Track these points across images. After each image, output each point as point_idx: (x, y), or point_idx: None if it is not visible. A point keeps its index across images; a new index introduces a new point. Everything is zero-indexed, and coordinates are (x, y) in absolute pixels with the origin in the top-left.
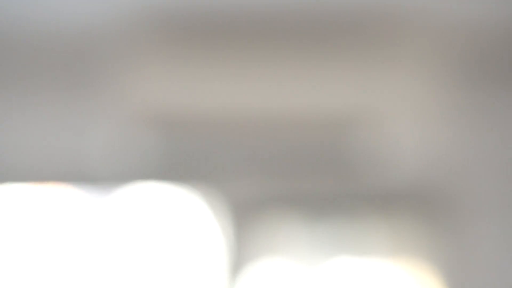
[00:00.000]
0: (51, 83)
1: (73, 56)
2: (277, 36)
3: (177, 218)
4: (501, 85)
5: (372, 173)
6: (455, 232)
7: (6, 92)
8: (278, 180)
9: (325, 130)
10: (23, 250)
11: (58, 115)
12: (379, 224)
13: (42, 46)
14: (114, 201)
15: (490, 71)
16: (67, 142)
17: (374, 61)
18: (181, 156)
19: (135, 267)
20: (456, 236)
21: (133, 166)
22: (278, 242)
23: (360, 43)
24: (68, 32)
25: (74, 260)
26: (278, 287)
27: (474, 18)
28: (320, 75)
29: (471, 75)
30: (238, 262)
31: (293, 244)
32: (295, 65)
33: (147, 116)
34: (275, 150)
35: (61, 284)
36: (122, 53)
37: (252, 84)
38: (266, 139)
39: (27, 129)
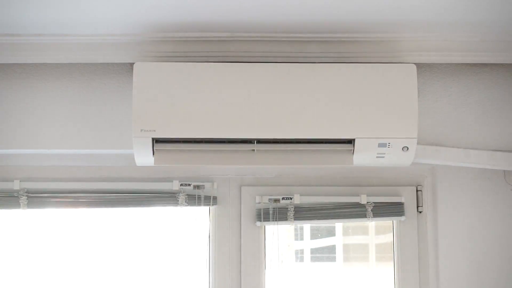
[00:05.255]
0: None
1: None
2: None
3: (174, 227)
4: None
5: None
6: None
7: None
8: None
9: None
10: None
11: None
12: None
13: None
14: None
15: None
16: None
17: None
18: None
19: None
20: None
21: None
22: (273, 246)
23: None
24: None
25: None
26: None
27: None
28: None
29: None
30: (232, 268)
31: (289, 248)
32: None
33: (145, 126)
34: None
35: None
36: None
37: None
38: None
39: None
